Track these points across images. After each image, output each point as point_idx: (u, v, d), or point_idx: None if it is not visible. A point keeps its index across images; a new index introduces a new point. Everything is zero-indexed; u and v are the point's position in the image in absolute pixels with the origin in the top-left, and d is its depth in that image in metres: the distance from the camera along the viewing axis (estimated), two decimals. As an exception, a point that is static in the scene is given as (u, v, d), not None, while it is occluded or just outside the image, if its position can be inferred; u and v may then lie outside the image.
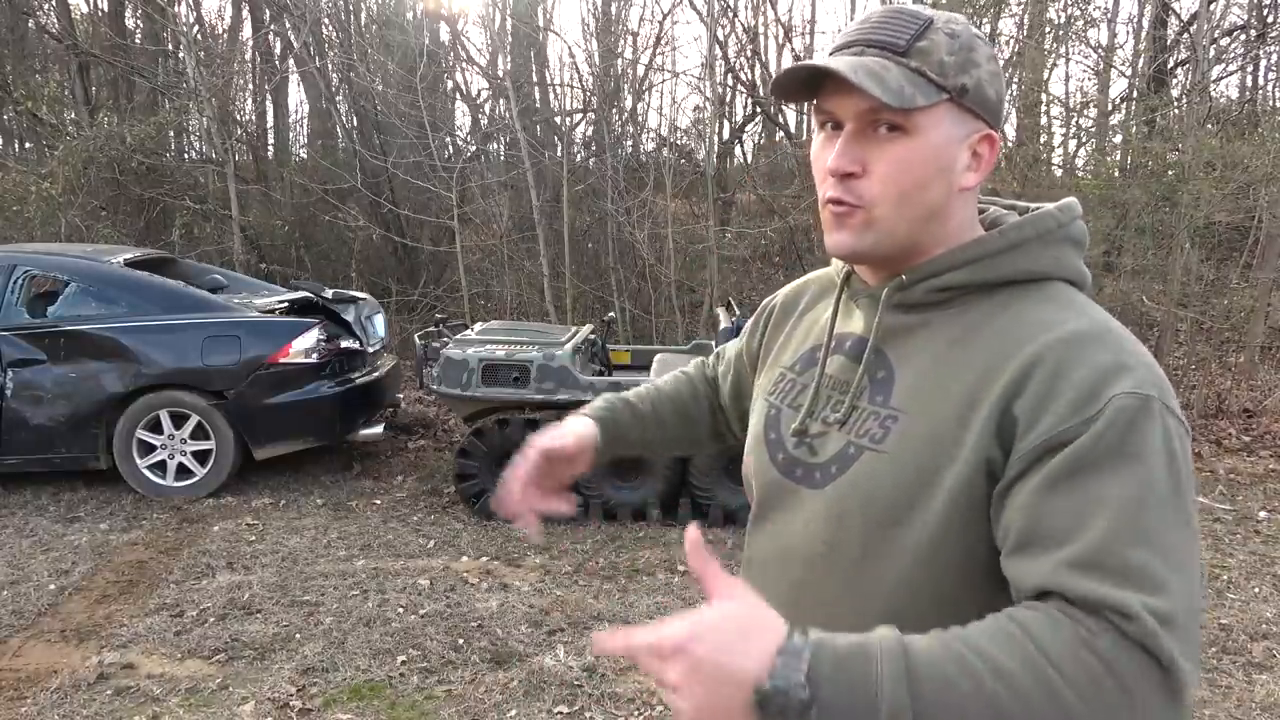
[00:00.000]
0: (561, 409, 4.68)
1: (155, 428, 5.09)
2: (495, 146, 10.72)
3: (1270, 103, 11.16)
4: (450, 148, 9.73)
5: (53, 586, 3.91)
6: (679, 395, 1.32)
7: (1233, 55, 9.89)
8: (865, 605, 0.89)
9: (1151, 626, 0.70)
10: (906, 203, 0.89)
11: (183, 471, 5.12)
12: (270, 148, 12.23)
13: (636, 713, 2.94)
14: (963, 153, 0.90)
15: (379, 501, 5.12)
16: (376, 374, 5.71)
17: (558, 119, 9.94)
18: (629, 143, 9.48)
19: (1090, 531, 0.74)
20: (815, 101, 0.91)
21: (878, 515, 0.88)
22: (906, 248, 0.92)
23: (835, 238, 0.92)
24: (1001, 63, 8.90)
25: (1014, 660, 0.69)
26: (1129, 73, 8.49)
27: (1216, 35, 9.17)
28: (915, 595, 0.87)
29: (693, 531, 0.76)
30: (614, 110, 9.33)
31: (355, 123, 9.90)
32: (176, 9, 10.38)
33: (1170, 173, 7.06)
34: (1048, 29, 8.40)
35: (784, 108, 10.29)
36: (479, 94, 11.19)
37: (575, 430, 1.20)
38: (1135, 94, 8.31)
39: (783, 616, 0.74)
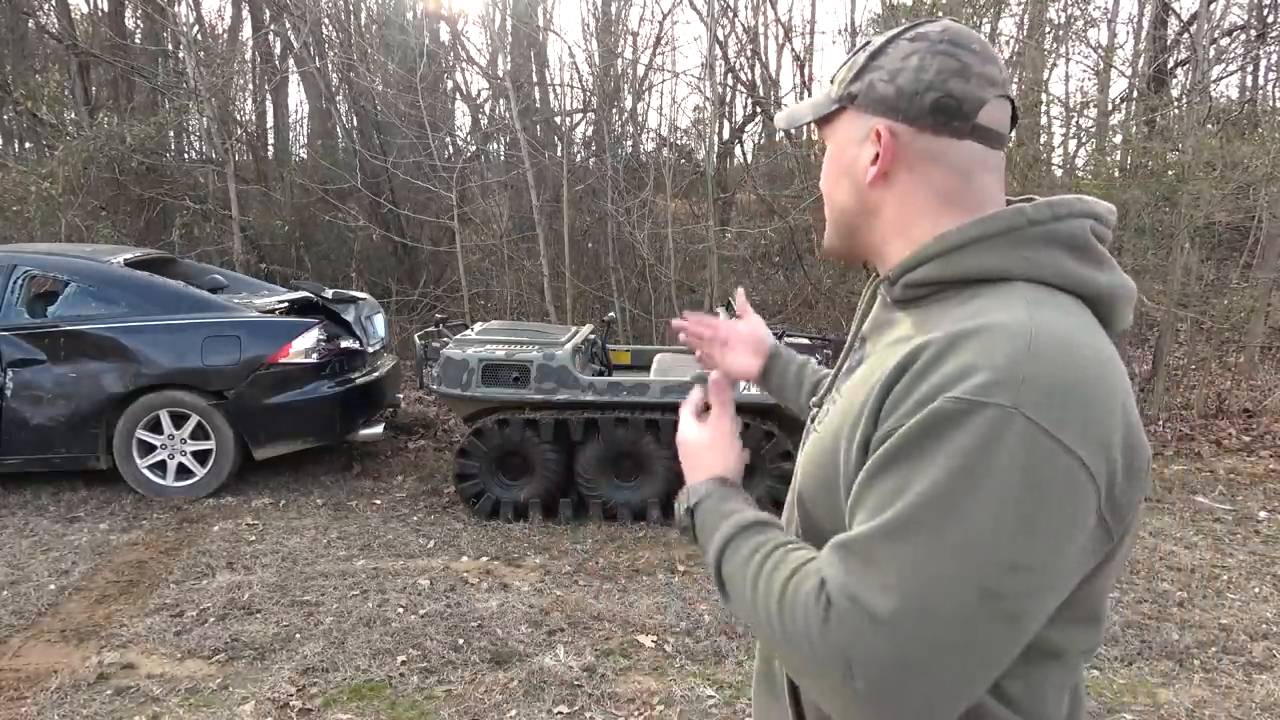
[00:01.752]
0: (561, 409, 4.69)
1: (155, 428, 5.09)
2: (495, 146, 10.72)
3: (1270, 103, 11.17)
4: (450, 148, 9.74)
5: (53, 586, 3.91)
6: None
7: (1233, 55, 9.89)
8: None
9: (848, 618, 0.74)
10: (830, 203, 1.03)
11: (183, 471, 5.12)
12: (270, 148, 12.23)
13: (636, 713, 2.94)
14: (863, 151, 0.94)
15: (379, 501, 5.12)
16: (376, 374, 5.71)
17: (558, 119, 9.93)
18: (629, 143, 9.48)
19: (866, 522, 0.77)
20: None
21: (805, 494, 0.95)
22: (855, 246, 1.02)
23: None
24: (1001, 62, 8.89)
25: (772, 585, 0.82)
26: (1129, 73, 8.49)
27: (1216, 35, 9.17)
28: None
29: (715, 376, 1.15)
30: (614, 110, 9.33)
31: (355, 123, 9.90)
32: (176, 9, 10.38)
33: (1170, 173, 7.06)
34: (1048, 29, 8.40)
35: (784, 107, 10.28)
36: (479, 94, 11.20)
37: (761, 329, 1.43)
38: (1135, 94, 8.31)
39: None
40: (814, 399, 1.10)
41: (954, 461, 0.73)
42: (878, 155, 0.92)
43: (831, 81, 1.00)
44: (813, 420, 1.07)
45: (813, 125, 1.02)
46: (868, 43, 0.98)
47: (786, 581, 0.81)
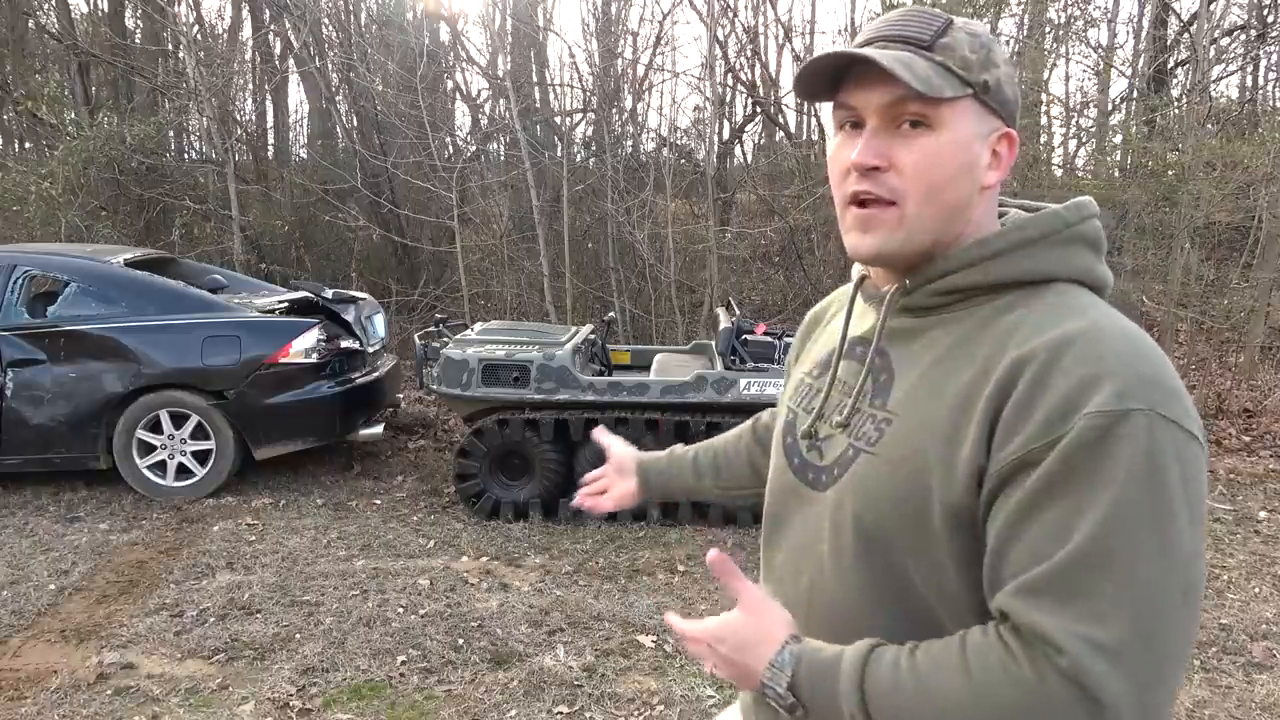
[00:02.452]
0: (561, 409, 4.69)
1: (155, 428, 5.09)
2: (495, 146, 10.72)
3: (1270, 103, 11.17)
4: (450, 148, 9.73)
5: (53, 586, 3.91)
6: (724, 451, 1.40)
7: (1233, 55, 9.90)
8: (861, 613, 0.91)
9: (1082, 661, 0.71)
10: (934, 198, 0.88)
11: (183, 471, 5.12)
12: (270, 148, 12.23)
13: (636, 713, 2.94)
14: (985, 150, 0.89)
15: (379, 501, 5.12)
16: (376, 374, 5.71)
17: (558, 119, 9.93)
18: (629, 143, 9.47)
19: (1046, 558, 0.75)
20: (837, 98, 0.91)
21: (871, 519, 0.88)
22: (929, 248, 0.90)
23: (862, 240, 0.90)
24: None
25: (945, 677, 0.78)
26: (1129, 73, 8.49)
27: (1216, 35, 9.17)
28: (909, 605, 0.88)
29: (714, 554, 0.94)
30: (614, 110, 9.33)
31: (355, 123, 9.89)
32: (176, 9, 10.38)
33: (1170, 173, 7.06)
34: (1048, 29, 8.41)
35: (784, 108, 10.29)
36: (479, 94, 11.20)
37: (622, 451, 1.44)
38: (1135, 94, 8.32)
39: (799, 617, 0.93)
40: (824, 419, 0.99)
41: (1124, 475, 0.74)
42: (994, 155, 0.91)
43: (919, 47, 0.86)
44: (813, 437, 0.99)
45: (904, 97, 0.86)
46: (976, 29, 0.91)
47: (963, 668, 0.77)
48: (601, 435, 1.48)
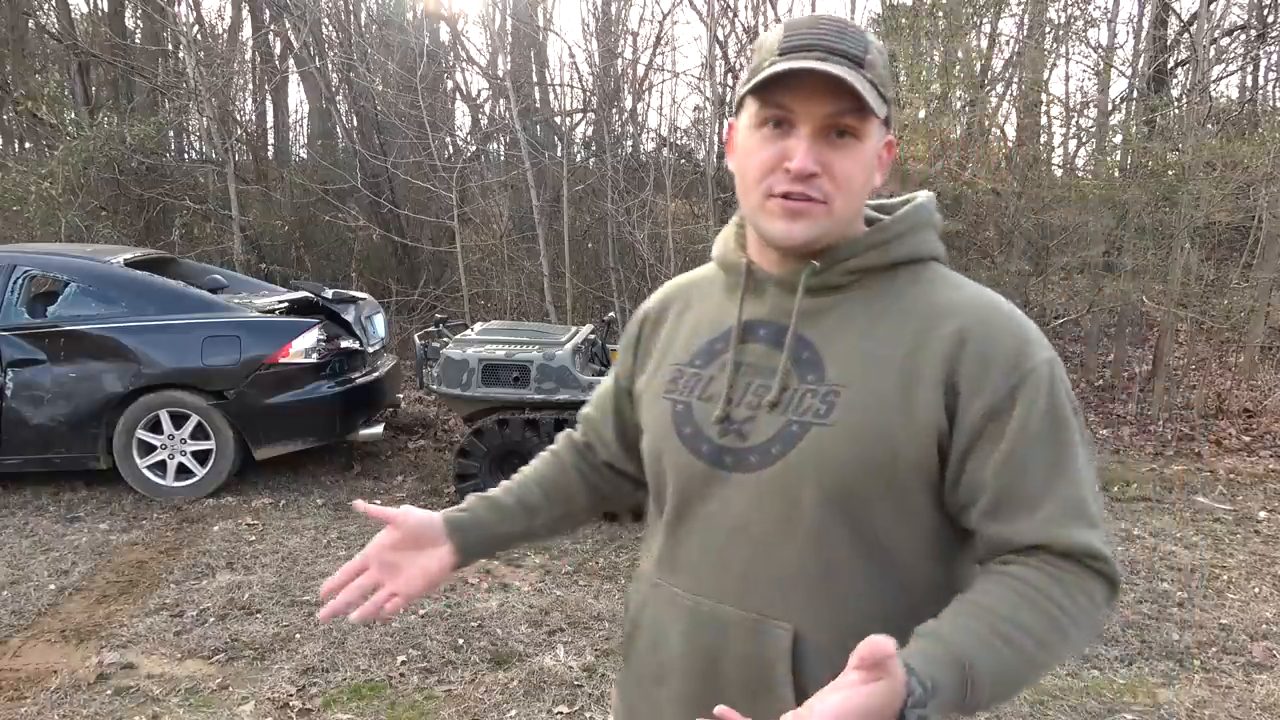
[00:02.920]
0: (561, 409, 4.69)
1: (155, 428, 5.09)
2: (495, 146, 10.72)
3: (1270, 103, 11.17)
4: (450, 148, 9.73)
5: (53, 586, 3.91)
6: (545, 476, 1.26)
7: (1233, 55, 9.90)
8: (829, 573, 0.97)
9: (1110, 559, 0.93)
10: (855, 199, 0.99)
11: (183, 471, 5.12)
12: (270, 148, 12.23)
13: (636, 713, 2.94)
14: (877, 157, 1.00)
15: (379, 501, 5.12)
16: (376, 374, 5.71)
17: (558, 119, 9.93)
18: (629, 143, 9.48)
19: (1056, 490, 0.93)
20: (773, 99, 0.95)
21: (834, 486, 0.95)
22: (834, 238, 1.00)
23: (791, 228, 0.96)
24: (1002, 63, 8.94)
25: (1041, 622, 0.89)
26: (1129, 73, 8.49)
27: (1216, 35, 9.17)
28: (883, 555, 0.97)
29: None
30: (614, 110, 9.33)
31: (355, 123, 9.89)
32: (176, 9, 10.39)
33: (1170, 173, 7.06)
34: (1048, 29, 8.40)
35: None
36: (479, 94, 11.20)
37: (410, 513, 1.14)
38: (1135, 94, 8.31)
39: (730, 597, 0.99)
40: (735, 402, 1.01)
41: (1064, 404, 0.95)
42: (879, 160, 1.01)
43: (856, 64, 0.93)
44: (728, 421, 1.00)
45: (852, 112, 0.94)
46: (881, 45, 0.98)
47: (1046, 612, 0.90)
48: (368, 508, 1.15)
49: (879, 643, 0.77)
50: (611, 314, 6.88)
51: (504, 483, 1.25)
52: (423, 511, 1.14)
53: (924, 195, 1.07)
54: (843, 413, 0.95)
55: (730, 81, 10.24)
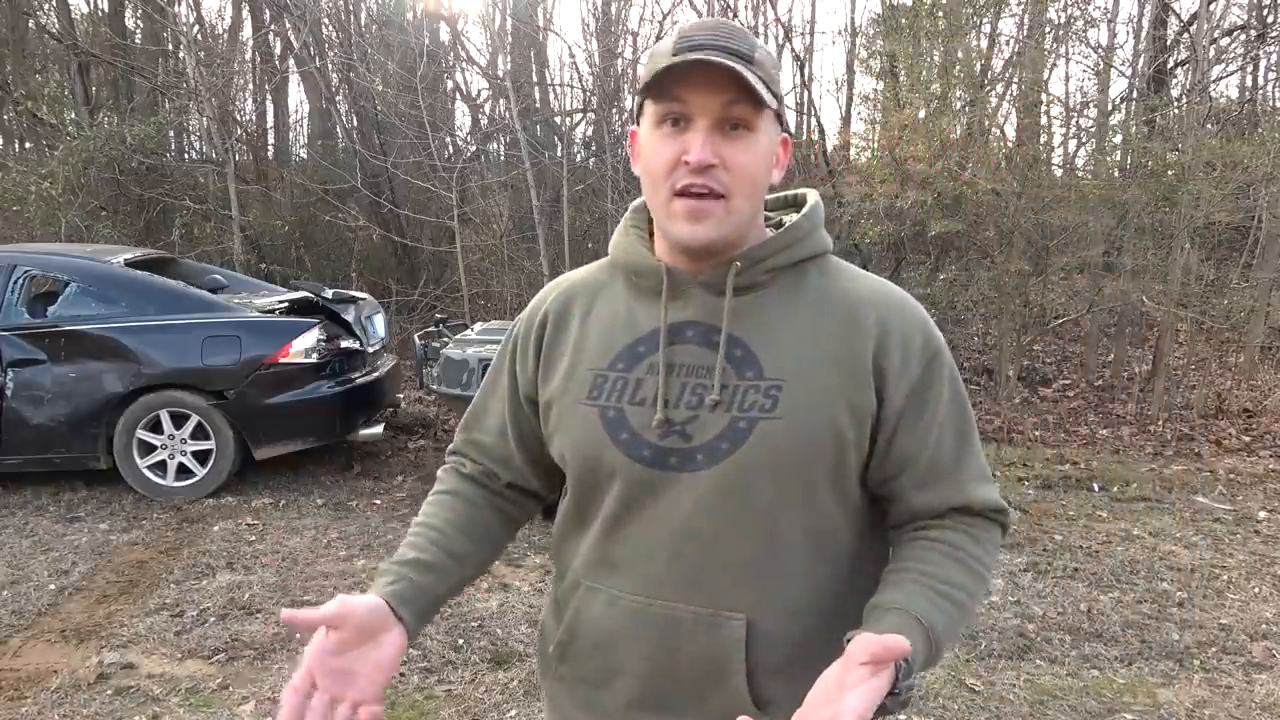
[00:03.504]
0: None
1: (155, 428, 5.09)
2: (495, 146, 10.73)
3: (1270, 103, 11.17)
4: (450, 148, 9.73)
5: (53, 586, 3.91)
6: (460, 519, 1.15)
7: (1233, 55, 9.90)
8: (779, 558, 1.02)
9: (1006, 508, 1.08)
10: (754, 193, 1.02)
11: (183, 471, 5.12)
12: (270, 148, 12.24)
13: (636, 713, 2.94)
14: (774, 154, 1.04)
15: (379, 501, 5.12)
16: (376, 374, 5.71)
17: (558, 119, 9.93)
18: (629, 143, 9.47)
19: (967, 458, 1.06)
20: (671, 94, 0.98)
21: (788, 476, 1.00)
22: (741, 236, 1.03)
23: (696, 229, 0.99)
24: (1002, 63, 8.94)
25: (969, 577, 1.02)
26: (1129, 73, 8.49)
27: (1216, 35, 9.18)
28: (825, 536, 1.04)
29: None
30: (614, 110, 9.33)
31: (355, 123, 9.90)
32: (176, 9, 10.39)
33: (1170, 173, 7.06)
34: (1048, 29, 8.40)
35: (784, 108, 10.26)
36: (479, 94, 11.21)
37: (352, 608, 0.94)
38: (1135, 94, 8.32)
39: (680, 593, 1.02)
40: (673, 404, 1.01)
41: (959, 380, 1.08)
42: (776, 158, 1.05)
43: (745, 60, 0.96)
44: (669, 424, 1.01)
45: (744, 102, 0.97)
46: (768, 49, 1.06)
47: (973, 570, 1.03)
48: (295, 616, 0.91)
49: (896, 641, 0.84)
50: (440, 315, 6.79)
51: (415, 539, 1.11)
52: (363, 600, 0.96)
53: (814, 194, 1.14)
54: (788, 405, 0.99)
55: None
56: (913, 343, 1.03)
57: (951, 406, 1.05)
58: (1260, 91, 11.49)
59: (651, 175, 1.01)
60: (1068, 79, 12.37)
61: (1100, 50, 8.47)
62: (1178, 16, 10.07)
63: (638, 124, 1.06)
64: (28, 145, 12.78)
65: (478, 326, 5.43)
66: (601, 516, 1.07)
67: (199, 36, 11.10)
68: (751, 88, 0.95)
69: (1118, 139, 8.39)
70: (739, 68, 0.95)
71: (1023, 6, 8.30)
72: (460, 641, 3.38)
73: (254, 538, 4.49)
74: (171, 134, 10.67)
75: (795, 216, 1.10)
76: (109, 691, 3.05)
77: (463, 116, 11.24)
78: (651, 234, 1.10)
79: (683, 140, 0.98)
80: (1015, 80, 8.36)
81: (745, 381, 1.00)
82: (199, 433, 5.10)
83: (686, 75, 0.96)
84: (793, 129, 10.57)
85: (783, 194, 1.16)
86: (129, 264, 5.50)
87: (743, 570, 1.01)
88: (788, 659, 1.03)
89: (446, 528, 1.13)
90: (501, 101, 10.05)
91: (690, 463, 1.00)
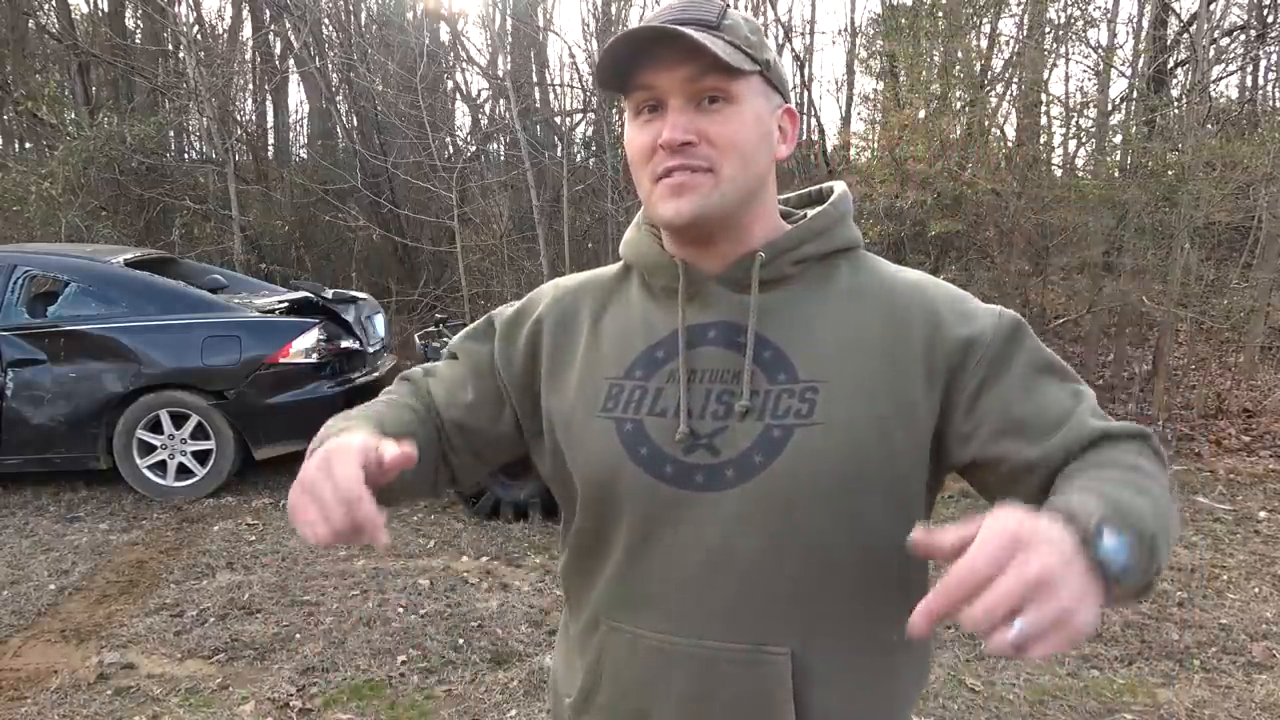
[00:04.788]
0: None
1: (155, 428, 5.09)
2: (495, 146, 10.73)
3: (1270, 103, 11.17)
4: (450, 148, 9.73)
5: (53, 586, 3.91)
6: (416, 432, 0.98)
7: (1233, 55, 9.90)
8: (827, 583, 0.90)
9: (1150, 433, 0.90)
10: (746, 164, 0.91)
11: (183, 471, 5.12)
12: (270, 148, 12.24)
13: (636, 713, 2.94)
14: (774, 124, 0.95)
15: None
16: (376, 374, 5.71)
17: (558, 119, 9.93)
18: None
19: (1079, 401, 0.90)
20: (635, 81, 0.91)
21: (831, 486, 0.88)
22: (741, 215, 0.93)
23: (678, 204, 0.89)
24: (1002, 63, 8.94)
25: (1153, 483, 0.80)
26: (1129, 73, 8.49)
27: (1216, 35, 9.18)
28: (879, 555, 0.90)
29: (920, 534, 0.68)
30: (614, 110, 9.33)
31: (355, 123, 9.90)
32: (176, 9, 10.40)
33: (1170, 173, 7.05)
34: (1048, 29, 8.40)
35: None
36: (479, 94, 11.20)
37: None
38: (1135, 94, 8.31)
39: (724, 628, 0.90)
40: (698, 415, 0.91)
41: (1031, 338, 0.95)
42: (780, 130, 0.96)
43: (708, 28, 0.89)
44: (694, 437, 0.91)
45: (712, 72, 0.88)
46: (748, 16, 0.96)
47: (1147, 479, 0.81)
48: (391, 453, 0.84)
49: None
50: (440, 315, 6.77)
51: (372, 419, 0.97)
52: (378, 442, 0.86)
53: (841, 186, 1.03)
54: (827, 408, 0.88)
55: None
56: (963, 322, 0.91)
57: (1047, 368, 0.91)
58: (1260, 91, 11.49)
59: (634, 166, 0.94)
60: (1068, 79, 12.38)
61: (1100, 50, 8.47)
62: (1178, 16, 10.08)
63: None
64: (28, 145, 12.79)
65: (478, 326, 5.43)
66: (621, 545, 0.95)
67: (199, 36, 11.10)
68: (714, 54, 0.85)
69: (1118, 139, 8.38)
70: (697, 35, 0.86)
71: (1023, 6, 8.30)
72: (460, 641, 3.38)
73: (254, 538, 4.49)
74: (171, 134, 10.68)
75: (820, 208, 1.00)
76: (109, 691, 3.05)
77: (463, 116, 11.25)
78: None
79: (657, 125, 0.90)
80: (1015, 80, 8.36)
81: (778, 385, 0.90)
82: (199, 433, 5.10)
83: (641, 59, 0.88)
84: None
85: (807, 190, 1.07)
86: (129, 264, 5.51)
87: (784, 599, 0.90)
88: (842, 698, 0.92)
89: (405, 429, 0.97)
90: (501, 101, 10.06)
91: (719, 480, 0.89)
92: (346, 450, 0.82)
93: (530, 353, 1.03)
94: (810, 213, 0.99)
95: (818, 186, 1.06)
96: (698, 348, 0.94)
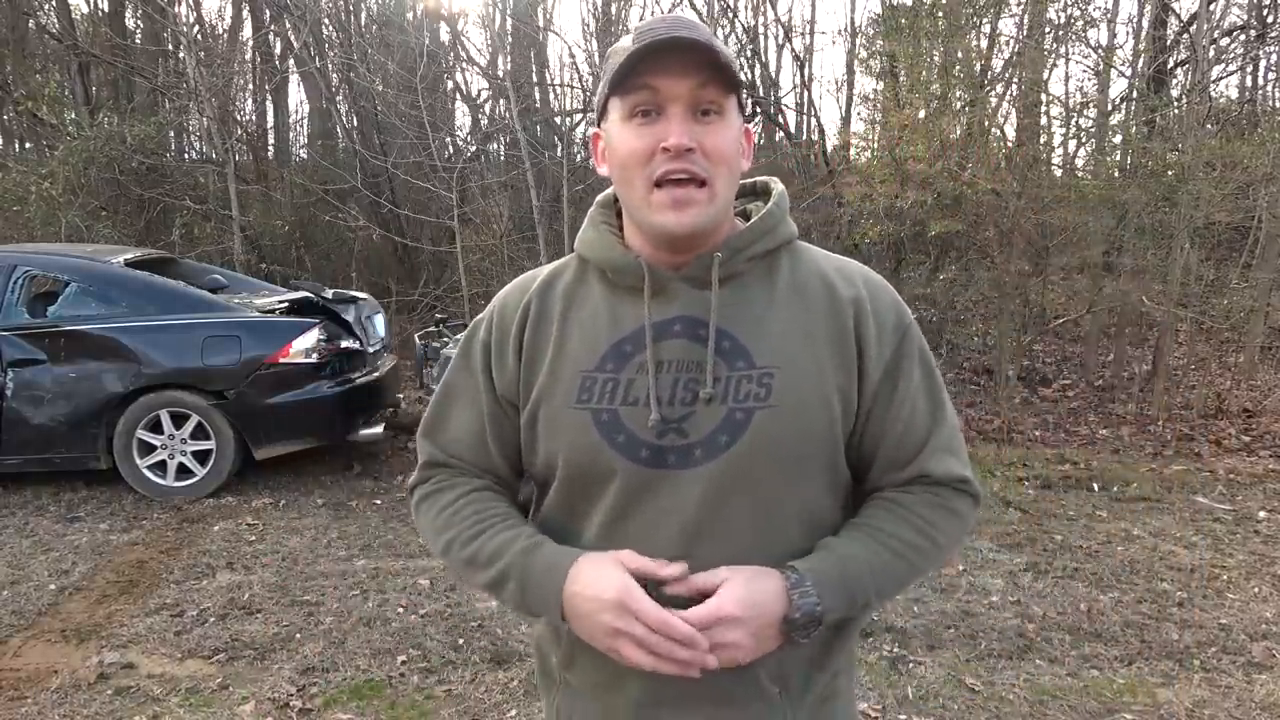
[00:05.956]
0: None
1: (155, 428, 5.09)
2: (495, 146, 10.73)
3: (1270, 103, 11.17)
4: (450, 148, 9.73)
5: (53, 586, 3.91)
6: (504, 507, 1.14)
7: (1233, 55, 9.91)
8: (775, 542, 1.02)
9: (972, 480, 1.09)
10: (731, 176, 1.02)
11: (183, 471, 5.12)
12: (270, 148, 12.25)
13: (636, 713, 2.93)
14: (741, 139, 1.03)
15: (379, 501, 5.12)
16: (376, 374, 5.71)
17: (558, 119, 9.93)
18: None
19: (937, 431, 1.07)
20: (639, 82, 0.97)
21: (788, 461, 1.01)
22: (720, 224, 1.04)
23: (681, 218, 0.98)
24: (1002, 63, 8.94)
25: (916, 534, 1.04)
26: (1129, 73, 8.49)
27: (1216, 35, 9.18)
28: (816, 516, 1.05)
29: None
30: (614, 110, 9.32)
31: (355, 123, 9.90)
32: (176, 9, 10.40)
33: (1170, 173, 7.05)
34: (1048, 29, 8.40)
35: (783, 108, 10.28)
36: (479, 94, 11.21)
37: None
38: (1135, 94, 8.31)
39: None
40: (667, 402, 1.00)
41: (929, 354, 1.11)
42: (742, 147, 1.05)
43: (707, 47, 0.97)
44: (665, 421, 1.00)
45: (713, 84, 0.97)
46: (729, 49, 1.08)
47: (924, 530, 1.05)
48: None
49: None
50: (440, 315, 6.77)
51: (505, 524, 1.10)
52: (615, 571, 1.00)
53: (777, 181, 1.14)
54: (782, 392, 0.99)
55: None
56: (886, 319, 1.05)
57: (924, 383, 1.07)
58: (1260, 91, 11.49)
59: (625, 168, 1.00)
60: (1068, 79, 12.39)
61: (1100, 50, 8.47)
62: (1178, 16, 10.08)
63: (599, 125, 1.05)
64: (28, 145, 12.79)
65: (478, 326, 5.43)
66: (598, 520, 1.05)
67: (199, 36, 11.11)
68: (724, 66, 0.95)
69: (1118, 139, 8.39)
70: (711, 44, 0.95)
71: (1023, 6, 8.30)
72: (460, 641, 3.38)
73: (254, 538, 4.49)
74: (171, 134, 10.68)
75: (763, 205, 1.10)
76: (109, 691, 3.05)
77: (463, 116, 11.26)
78: (621, 228, 1.09)
79: (656, 129, 0.97)
80: (1015, 80, 8.36)
81: (737, 372, 1.00)
82: (199, 433, 5.10)
83: (656, 61, 0.95)
84: (793, 129, 10.58)
85: (743, 182, 1.15)
86: (129, 264, 5.51)
87: (744, 558, 1.00)
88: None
89: (508, 513, 1.12)
90: (501, 101, 10.06)
91: (689, 459, 1.00)
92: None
93: (516, 351, 1.11)
94: (754, 209, 1.10)
95: (752, 180, 1.16)
96: (663, 341, 1.03)
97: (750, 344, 1.02)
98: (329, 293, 5.89)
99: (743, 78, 1.05)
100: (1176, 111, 8.01)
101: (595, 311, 1.07)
